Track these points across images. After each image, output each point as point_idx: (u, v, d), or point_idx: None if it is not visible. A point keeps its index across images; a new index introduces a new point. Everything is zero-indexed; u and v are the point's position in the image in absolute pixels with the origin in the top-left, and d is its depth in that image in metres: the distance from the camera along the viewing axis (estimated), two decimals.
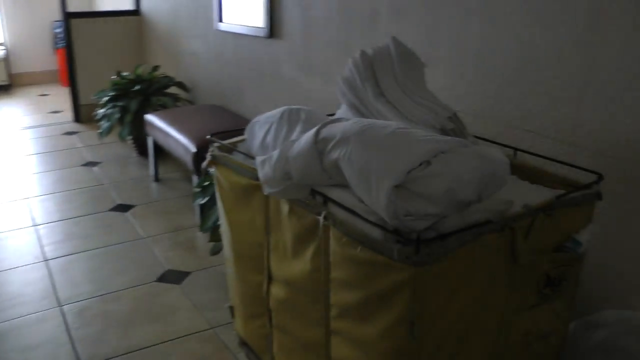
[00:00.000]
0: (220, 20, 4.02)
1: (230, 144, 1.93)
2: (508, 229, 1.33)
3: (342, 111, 1.81)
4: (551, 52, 1.84)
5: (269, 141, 1.75)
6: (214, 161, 1.90)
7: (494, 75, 2.04)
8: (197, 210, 3.38)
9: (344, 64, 2.86)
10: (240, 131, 1.94)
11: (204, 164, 1.94)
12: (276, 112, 1.80)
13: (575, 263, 1.52)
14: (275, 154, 1.48)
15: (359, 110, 1.70)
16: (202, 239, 3.29)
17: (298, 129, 1.68)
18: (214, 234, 2.62)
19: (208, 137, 1.94)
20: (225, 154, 1.88)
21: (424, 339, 1.30)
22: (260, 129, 1.81)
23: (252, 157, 1.73)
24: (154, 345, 2.39)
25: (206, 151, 3.27)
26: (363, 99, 1.69)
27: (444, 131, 1.56)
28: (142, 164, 4.51)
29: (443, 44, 2.22)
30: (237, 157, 1.85)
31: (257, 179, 1.68)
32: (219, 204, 1.96)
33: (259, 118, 1.85)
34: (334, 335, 1.52)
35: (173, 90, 4.61)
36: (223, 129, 3.46)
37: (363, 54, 1.72)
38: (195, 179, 3.37)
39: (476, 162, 1.21)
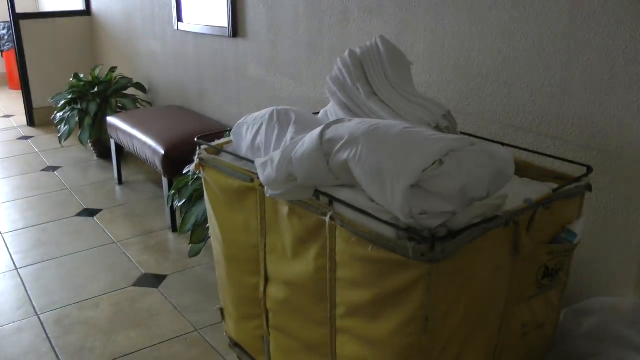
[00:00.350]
0: (180, 20, 3.96)
1: (216, 146, 1.91)
2: (512, 222, 1.36)
3: (331, 110, 1.80)
4: (532, 48, 1.88)
5: (260, 143, 1.73)
6: (202, 164, 1.87)
7: (472, 72, 2.07)
8: (168, 213, 3.33)
9: (313, 63, 2.87)
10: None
11: (192, 166, 1.92)
12: (263, 113, 1.78)
13: (571, 253, 1.57)
14: (276, 155, 1.46)
15: (350, 109, 1.70)
16: (174, 242, 3.25)
17: (291, 130, 1.67)
18: (194, 236, 2.59)
19: (196, 139, 1.91)
20: (215, 157, 1.85)
21: (436, 334, 1.32)
22: (249, 130, 1.80)
23: (246, 160, 1.72)
24: (139, 350, 2.35)
25: (175, 153, 3.24)
26: (355, 98, 1.69)
27: (438, 129, 1.58)
28: (103, 167, 4.41)
29: (419, 40, 2.25)
30: (225, 159, 1.83)
31: (251, 180, 1.68)
32: (208, 206, 1.94)
33: (245, 120, 1.83)
34: (340, 334, 1.52)
35: (131, 91, 4.52)
36: (190, 130, 3.43)
37: (352, 53, 1.72)
38: (165, 181, 3.32)
39: (486, 159, 1.23)
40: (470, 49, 2.06)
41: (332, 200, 1.41)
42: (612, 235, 1.78)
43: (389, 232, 1.27)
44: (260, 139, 1.73)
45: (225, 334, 2.15)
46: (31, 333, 2.47)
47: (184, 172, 2.80)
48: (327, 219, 1.41)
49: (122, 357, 2.31)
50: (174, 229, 3.35)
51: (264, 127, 1.74)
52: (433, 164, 1.20)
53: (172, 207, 3.23)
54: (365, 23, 2.50)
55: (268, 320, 1.82)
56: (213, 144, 1.92)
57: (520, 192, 1.48)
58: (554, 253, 1.49)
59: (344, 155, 1.31)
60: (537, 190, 1.53)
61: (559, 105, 1.84)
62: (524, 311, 1.55)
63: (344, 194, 1.38)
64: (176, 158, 3.19)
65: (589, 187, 1.59)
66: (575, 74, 1.78)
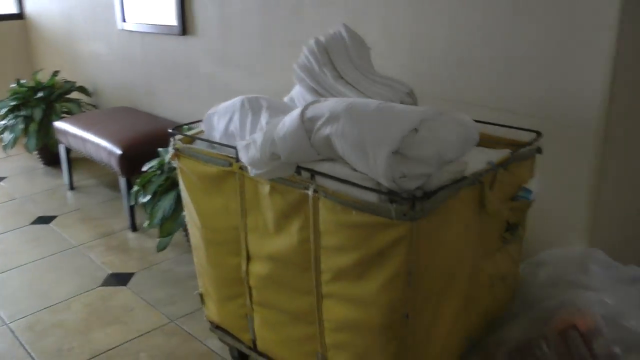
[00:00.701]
0: (124, 20, 4.06)
1: (188, 137, 2.06)
2: (478, 182, 1.57)
3: (298, 96, 1.98)
4: (478, 30, 2.10)
5: (235, 129, 1.89)
6: (178, 153, 2.02)
7: (424, 56, 2.28)
8: (127, 212, 3.44)
9: (267, 55, 3.05)
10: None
11: (168, 156, 2.06)
12: (233, 102, 1.94)
13: (528, 209, 1.80)
14: (258, 137, 1.63)
15: (319, 93, 1.88)
16: (137, 241, 3.36)
17: (265, 114, 1.83)
18: (163, 230, 2.73)
19: (170, 130, 2.06)
20: (190, 146, 2.00)
21: (418, 287, 1.51)
22: (220, 119, 1.96)
23: (225, 145, 1.87)
24: (119, 345, 2.46)
25: (132, 152, 3.34)
26: (322, 82, 1.87)
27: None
28: (51, 173, 4.46)
29: (372, 28, 2.45)
30: (200, 147, 1.98)
31: (229, 165, 1.84)
32: (185, 195, 2.08)
33: (215, 109, 1.99)
34: (326, 299, 1.70)
35: (74, 95, 4.58)
36: (143, 129, 3.55)
37: (317, 41, 1.90)
38: (122, 182, 3.43)
39: (455, 126, 1.44)
40: (421, 33, 2.28)
41: (314, 174, 1.59)
42: (561, 193, 2.03)
43: (371, 197, 1.46)
44: (234, 125, 1.89)
45: (205, 318, 2.29)
46: (3, 342, 2.52)
47: (145, 169, 2.93)
48: (310, 192, 1.59)
49: (103, 353, 2.42)
50: (134, 228, 3.46)
51: (236, 115, 1.90)
52: (410, 132, 1.40)
53: (132, 206, 3.35)
54: (317, 14, 2.68)
55: (251, 297, 1.98)
56: (187, 133, 2.07)
57: (480, 160, 1.69)
58: (514, 209, 1.72)
59: (327, 131, 1.49)
60: (495, 156, 1.75)
61: (507, 81, 2.07)
62: (490, 264, 1.77)
63: (325, 168, 1.57)
64: (133, 157, 3.31)
65: (539, 150, 1.83)
66: (519, 51, 2.01)
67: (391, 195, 1.43)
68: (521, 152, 1.75)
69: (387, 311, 1.54)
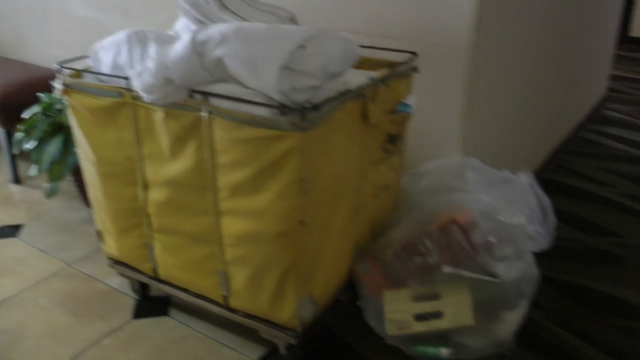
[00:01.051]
0: None
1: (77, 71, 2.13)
2: (361, 95, 1.77)
3: (183, 28, 2.09)
4: None
5: (124, 62, 1.98)
6: (68, 89, 2.09)
7: None
8: (9, 165, 3.43)
9: None
10: None
11: (57, 92, 2.12)
12: (119, 36, 2.02)
13: (407, 122, 2.03)
14: (150, 64, 1.75)
15: (204, 23, 2.01)
16: (21, 193, 3.36)
17: (153, 45, 1.94)
18: (53, 174, 2.77)
19: (57, 65, 2.11)
20: (80, 80, 2.08)
21: (310, 195, 1.71)
22: (107, 53, 2.04)
23: (115, 77, 1.96)
24: (17, 293, 2.50)
25: (10, 101, 3.32)
26: (207, 13, 1.99)
27: None
28: None
29: None
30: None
31: (121, 96, 1.94)
32: (77, 131, 2.16)
33: (101, 44, 2.07)
34: (224, 217, 1.86)
35: None
36: (16, 78, 3.52)
37: None
38: (1, 133, 3.40)
39: (338, 42, 1.63)
40: None
41: (207, 95, 1.73)
42: (438, 109, 2.28)
43: (263, 112, 1.63)
44: (123, 58, 1.99)
45: (105, 255, 2.39)
46: None
47: (26, 116, 2.94)
48: (205, 113, 1.73)
49: (1, 302, 2.47)
50: (17, 180, 3.46)
51: (124, 48, 1.99)
52: (298, 48, 1.57)
53: (13, 157, 3.34)
54: None
55: (151, 225, 2.11)
56: (77, 68, 2.14)
57: (363, 78, 1.89)
58: (395, 122, 1.95)
59: (218, 52, 1.63)
60: (376, 75, 1.96)
61: (383, 9, 2.28)
62: (374, 174, 2.00)
63: (217, 88, 1.71)
64: (12, 106, 3.28)
65: (415, 69, 2.06)
66: None
67: (282, 108, 1.60)
68: (399, 70, 1.97)
69: (283, 219, 1.73)
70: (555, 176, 3.44)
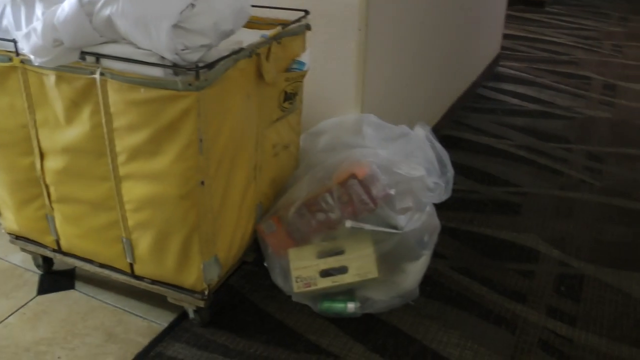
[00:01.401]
0: None
1: None
2: (255, 54, 1.79)
3: None
4: None
5: (8, 24, 1.89)
6: None
7: None
8: None
9: None
10: None
11: None
12: None
13: (302, 79, 2.06)
14: (38, 24, 1.70)
15: None
16: None
17: (39, 5, 1.86)
18: None
19: None
20: None
21: (210, 153, 1.72)
22: None
23: (5, 39, 1.89)
24: None
25: None
26: None
27: None
28: None
29: None
30: None
31: (9, 60, 1.87)
32: None
33: None
34: (125, 181, 1.84)
35: None
36: None
37: None
38: None
39: (229, 0, 1.64)
40: None
41: (99, 57, 1.70)
42: (333, 66, 2.32)
43: (157, 72, 1.62)
44: (7, 20, 1.90)
45: (5, 231, 2.32)
46: None
47: None
48: (97, 75, 1.70)
49: None
50: None
51: (8, 9, 1.91)
52: (187, 6, 1.57)
53: None
54: None
55: (50, 195, 2.07)
56: None
57: (256, 37, 1.91)
58: (290, 79, 1.97)
59: (107, 12, 1.61)
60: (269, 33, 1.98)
61: None
62: (272, 133, 2.03)
63: (109, 49, 1.69)
64: None
65: (308, 27, 2.09)
66: None
67: (175, 67, 1.60)
68: (291, 28, 1.99)
69: (184, 181, 1.73)
70: (453, 131, 3.57)
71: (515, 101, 4.11)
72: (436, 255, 2.29)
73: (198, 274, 1.86)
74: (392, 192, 1.96)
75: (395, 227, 1.95)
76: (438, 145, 2.18)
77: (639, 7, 7.22)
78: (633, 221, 2.75)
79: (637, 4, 7.38)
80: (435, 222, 2.10)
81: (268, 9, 2.14)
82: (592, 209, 2.83)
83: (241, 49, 1.73)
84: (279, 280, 2.06)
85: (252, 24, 2.09)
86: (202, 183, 1.73)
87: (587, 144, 3.52)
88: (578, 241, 2.57)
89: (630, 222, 2.74)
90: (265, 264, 2.12)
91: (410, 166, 2.04)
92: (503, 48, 4.95)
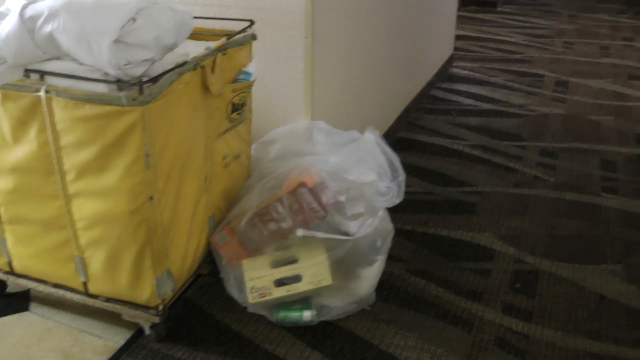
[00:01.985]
0: None
1: None
2: (200, 66, 1.82)
3: (14, 2, 2.03)
4: None
5: None
6: None
7: None
8: None
9: None
10: None
11: None
12: None
13: (250, 89, 2.09)
14: None
15: None
16: None
17: None
18: None
19: None
20: None
21: (157, 168, 1.74)
22: None
23: None
24: None
25: None
26: None
27: None
28: None
29: None
30: None
31: None
32: None
33: None
34: (74, 199, 1.85)
35: None
36: None
37: None
38: None
39: (170, 13, 1.67)
40: None
41: (43, 74, 1.71)
42: (282, 75, 2.36)
43: (101, 88, 1.64)
44: None
45: None
46: None
47: None
48: (42, 93, 1.71)
49: None
50: None
51: None
52: (129, 21, 1.59)
53: None
54: None
55: (0, 216, 2.06)
56: None
57: (201, 49, 1.93)
58: (237, 90, 2.01)
59: (49, 28, 1.63)
60: (214, 44, 2.01)
61: None
62: (222, 145, 2.06)
63: (53, 66, 1.70)
64: None
65: (254, 37, 2.12)
66: None
67: (119, 83, 1.62)
68: (236, 39, 2.02)
69: (132, 196, 1.75)
70: (408, 133, 3.63)
71: (469, 101, 4.19)
72: (392, 258, 2.34)
73: (151, 289, 1.87)
74: (343, 198, 2.00)
75: (347, 234, 1.99)
76: (388, 150, 2.23)
77: (588, 4, 7.41)
78: (586, 214, 2.83)
79: (587, 1, 7.57)
80: (389, 226, 2.15)
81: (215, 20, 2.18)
82: (546, 204, 2.91)
83: (185, 62, 1.76)
84: (234, 292, 2.09)
85: (199, 35, 2.11)
86: (151, 198, 1.75)
87: (540, 140, 3.61)
88: (533, 237, 2.64)
89: (583, 215, 2.82)
90: (220, 276, 2.14)
91: (361, 171, 2.08)
92: (456, 49, 5.05)
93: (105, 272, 1.92)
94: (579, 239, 2.65)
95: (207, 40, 2.11)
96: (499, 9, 7.00)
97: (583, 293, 2.30)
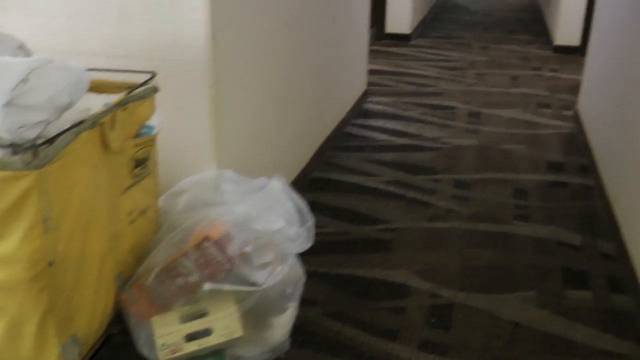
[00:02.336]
0: None
1: None
2: (98, 124, 1.82)
3: None
4: None
5: None
6: None
7: (40, 8, 2.41)
8: None
9: None
10: None
11: None
12: None
13: (153, 143, 2.10)
14: None
15: None
16: None
17: None
18: None
19: None
20: None
21: (58, 232, 1.72)
22: None
23: None
24: None
25: None
26: None
27: None
28: None
29: None
30: None
31: None
32: None
33: None
34: None
35: None
36: None
37: None
38: None
39: (64, 72, 1.67)
40: None
41: None
42: (187, 124, 2.37)
43: None
44: None
45: None
46: None
47: None
48: None
49: None
50: None
51: None
52: (21, 81, 1.58)
53: None
54: None
55: None
56: None
57: (100, 104, 1.93)
58: (140, 145, 2.01)
59: None
60: (113, 99, 2.01)
61: (121, 29, 2.33)
62: (126, 201, 2.05)
63: None
64: None
65: (156, 89, 2.14)
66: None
67: (13, 147, 1.61)
68: (137, 93, 2.03)
69: (31, 264, 1.71)
70: (324, 173, 3.69)
71: (384, 137, 4.29)
72: (307, 302, 2.37)
73: (57, 356, 1.84)
74: (249, 249, 2.02)
75: (255, 284, 2.01)
76: (294, 195, 2.26)
77: (499, 36, 7.72)
78: (499, 244, 2.93)
79: (496, 33, 7.89)
80: (299, 273, 2.17)
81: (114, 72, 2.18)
82: (460, 236, 3.00)
83: (82, 121, 1.76)
84: (145, 350, 2.06)
85: (102, 87, 2.11)
86: (51, 263, 1.72)
87: (454, 172, 3.73)
88: (448, 270, 2.72)
89: (496, 245, 2.92)
90: (131, 334, 2.12)
91: (269, 219, 2.11)
92: (371, 83, 5.17)
93: (7, 343, 1.85)
94: (493, 269, 2.74)
95: (110, 92, 2.10)
96: (412, 42, 7.21)
97: (498, 322, 2.38)
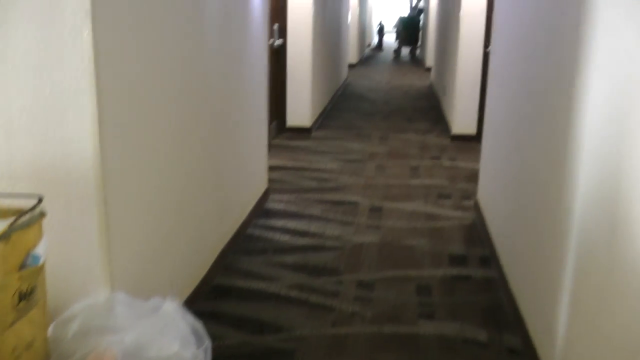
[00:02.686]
0: None
1: None
2: None
3: None
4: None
5: None
6: None
7: None
8: None
9: None
10: None
11: None
12: None
13: (39, 275, 2.06)
14: None
15: None
16: None
17: None
18: None
19: None
20: None
21: None
22: None
23: None
24: None
25: None
26: None
27: None
28: None
29: None
30: None
31: None
32: None
33: None
34: None
35: None
36: None
37: None
38: None
39: None
40: None
41: None
42: (77, 248, 2.34)
43: None
44: None
45: None
46: None
47: None
48: None
49: None
50: None
51: None
52: None
53: None
54: None
55: None
56: None
57: None
58: (24, 278, 1.97)
59: None
60: None
61: (7, 148, 2.31)
62: (10, 337, 1.98)
63: None
64: None
65: (43, 213, 2.11)
66: (15, 117, 2.28)
67: None
68: (22, 221, 2.00)
69: None
70: (225, 279, 3.67)
71: (285, 237, 4.33)
72: None
73: None
74: None
75: None
76: (189, 316, 2.25)
77: (395, 125, 8.04)
78: (404, 345, 2.98)
79: (393, 122, 8.22)
80: None
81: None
82: (364, 341, 3.04)
83: None
84: None
85: None
86: None
87: (357, 272, 3.79)
88: None
89: (401, 347, 2.97)
90: None
91: (162, 344, 2.09)
92: (271, 180, 5.24)
93: None
94: None
95: None
96: (313, 134, 7.40)
97: None
